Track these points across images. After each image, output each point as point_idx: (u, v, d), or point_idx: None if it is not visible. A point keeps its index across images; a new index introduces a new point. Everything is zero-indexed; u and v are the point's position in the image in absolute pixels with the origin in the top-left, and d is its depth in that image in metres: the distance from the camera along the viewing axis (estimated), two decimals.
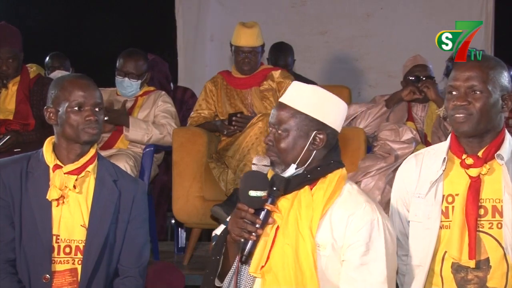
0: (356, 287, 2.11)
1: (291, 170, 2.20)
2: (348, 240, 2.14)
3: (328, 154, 2.23)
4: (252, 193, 2.10)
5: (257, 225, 2.11)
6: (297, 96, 2.23)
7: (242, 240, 2.11)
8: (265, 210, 2.13)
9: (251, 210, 2.11)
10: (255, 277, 2.15)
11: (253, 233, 2.10)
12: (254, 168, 2.21)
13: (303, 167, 2.21)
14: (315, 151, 2.21)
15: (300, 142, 2.20)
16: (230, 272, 2.18)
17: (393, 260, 2.21)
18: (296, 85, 2.28)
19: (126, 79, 4.24)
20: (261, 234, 2.12)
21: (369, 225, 2.14)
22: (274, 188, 2.15)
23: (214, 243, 2.27)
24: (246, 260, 2.12)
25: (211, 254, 2.22)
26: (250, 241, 2.10)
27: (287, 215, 2.15)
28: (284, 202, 2.17)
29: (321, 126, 2.20)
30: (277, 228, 2.15)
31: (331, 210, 2.16)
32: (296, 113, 2.20)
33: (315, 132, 2.20)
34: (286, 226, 2.14)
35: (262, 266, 2.13)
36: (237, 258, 2.14)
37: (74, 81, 2.51)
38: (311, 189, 2.18)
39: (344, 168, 2.25)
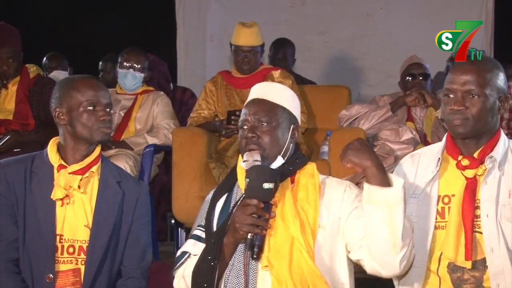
0: None
1: (278, 163, 2.26)
2: (345, 210, 2.22)
3: (296, 148, 2.35)
4: (266, 185, 2.13)
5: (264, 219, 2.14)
6: (273, 92, 2.32)
7: (249, 236, 2.12)
8: (268, 203, 2.16)
9: (261, 204, 2.13)
10: (265, 270, 2.16)
11: (263, 227, 2.13)
12: (245, 164, 2.22)
13: (283, 159, 2.27)
14: (291, 144, 2.31)
15: (285, 135, 2.28)
16: (226, 273, 2.18)
17: None
18: (266, 83, 2.43)
19: (131, 70, 4.28)
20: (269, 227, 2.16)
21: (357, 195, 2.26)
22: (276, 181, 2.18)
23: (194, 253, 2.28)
24: (258, 255, 2.13)
25: (202, 261, 2.20)
26: (259, 236, 2.12)
27: (282, 205, 2.19)
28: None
29: (295, 121, 2.33)
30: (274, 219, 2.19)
31: (323, 193, 2.25)
32: (278, 107, 2.29)
33: (292, 126, 2.30)
34: (284, 215, 2.17)
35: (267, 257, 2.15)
36: (246, 256, 2.15)
37: (86, 81, 2.51)
38: (292, 180, 2.26)
39: None
